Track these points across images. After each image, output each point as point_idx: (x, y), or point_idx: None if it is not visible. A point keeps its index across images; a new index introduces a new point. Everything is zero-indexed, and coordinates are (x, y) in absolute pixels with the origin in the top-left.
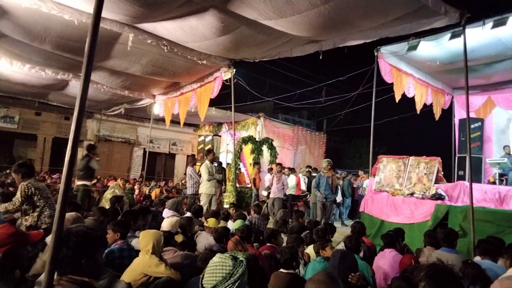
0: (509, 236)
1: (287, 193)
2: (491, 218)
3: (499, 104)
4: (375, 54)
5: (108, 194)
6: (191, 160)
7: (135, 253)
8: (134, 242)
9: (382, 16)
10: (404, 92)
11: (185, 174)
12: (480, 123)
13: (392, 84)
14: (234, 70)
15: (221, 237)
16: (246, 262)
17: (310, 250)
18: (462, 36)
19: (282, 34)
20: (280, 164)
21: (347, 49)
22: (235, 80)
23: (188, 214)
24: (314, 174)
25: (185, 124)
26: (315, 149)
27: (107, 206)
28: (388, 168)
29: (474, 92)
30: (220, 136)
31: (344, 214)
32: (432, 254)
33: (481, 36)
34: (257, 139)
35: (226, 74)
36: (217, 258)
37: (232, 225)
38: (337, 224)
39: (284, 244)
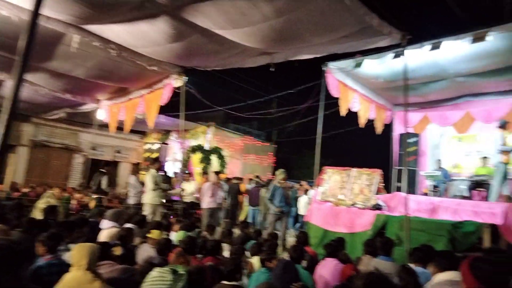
0: (439, 244)
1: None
2: (424, 227)
3: (434, 121)
4: (323, 69)
5: (40, 204)
6: (134, 168)
7: (67, 268)
8: (68, 256)
9: (331, 33)
10: (349, 107)
11: (127, 183)
12: (416, 138)
13: (338, 98)
14: (186, 78)
15: (163, 249)
16: (189, 276)
17: (254, 260)
18: (403, 56)
19: (235, 44)
20: (218, 173)
21: (298, 62)
22: (186, 88)
23: (129, 225)
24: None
25: (131, 131)
26: (264, 159)
27: (40, 217)
28: (332, 179)
29: (412, 109)
30: (168, 144)
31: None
32: (371, 262)
33: (420, 57)
34: (206, 148)
35: (177, 81)
36: (156, 272)
37: (175, 236)
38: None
39: (226, 254)
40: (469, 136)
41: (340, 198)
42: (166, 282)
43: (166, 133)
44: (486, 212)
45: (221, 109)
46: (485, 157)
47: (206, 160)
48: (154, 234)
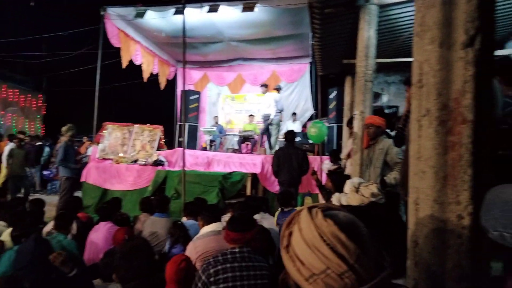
0: (211, 194)
1: None
2: (200, 180)
3: (212, 80)
4: (101, 13)
5: None
6: None
7: None
8: None
9: None
10: (132, 59)
11: None
12: (197, 96)
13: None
14: None
15: None
16: None
17: (5, 237)
18: (183, 13)
19: None
20: None
21: (74, 2)
22: None
23: None
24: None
25: None
26: (31, 112)
27: None
28: (113, 135)
29: (193, 67)
30: None
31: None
32: (147, 221)
33: (199, 17)
34: None
35: None
36: None
37: None
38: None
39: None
40: (240, 96)
41: (121, 156)
42: None
43: None
44: (250, 163)
45: None
46: (251, 115)
47: None
48: None
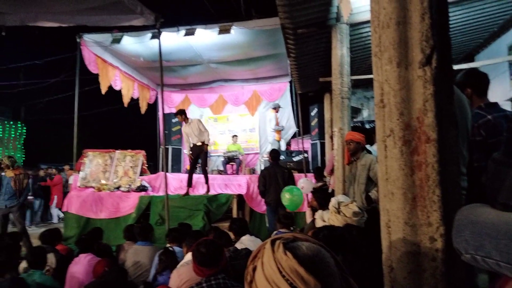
0: (197, 218)
1: None
2: (184, 204)
3: (194, 102)
4: (77, 40)
5: None
6: None
7: None
8: None
9: (75, 2)
10: (111, 84)
11: None
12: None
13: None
14: None
15: None
16: None
17: None
18: (159, 38)
19: None
20: None
21: (50, 30)
22: None
23: None
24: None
25: None
26: (10, 141)
27: None
28: (94, 162)
29: (174, 90)
30: None
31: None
32: (130, 250)
33: (177, 41)
34: None
35: None
36: None
37: None
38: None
39: None
40: (223, 116)
41: (103, 183)
42: None
43: None
44: (235, 184)
45: None
46: (235, 135)
47: None
48: None
